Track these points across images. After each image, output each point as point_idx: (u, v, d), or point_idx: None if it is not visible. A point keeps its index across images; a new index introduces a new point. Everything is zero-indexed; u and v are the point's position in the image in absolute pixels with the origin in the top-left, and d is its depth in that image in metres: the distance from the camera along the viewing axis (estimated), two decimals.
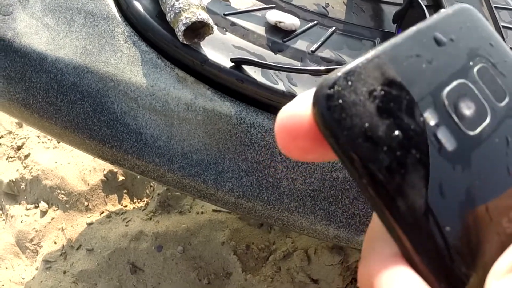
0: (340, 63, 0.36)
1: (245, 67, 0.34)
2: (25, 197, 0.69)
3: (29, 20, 0.41)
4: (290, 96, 0.32)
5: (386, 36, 0.39)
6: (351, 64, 0.11)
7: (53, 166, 0.69)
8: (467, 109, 0.11)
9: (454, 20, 0.12)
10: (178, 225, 0.64)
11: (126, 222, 0.65)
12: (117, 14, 0.38)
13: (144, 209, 0.67)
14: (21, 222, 0.67)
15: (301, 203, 0.35)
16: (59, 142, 0.73)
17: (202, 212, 0.65)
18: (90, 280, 0.61)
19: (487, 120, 0.11)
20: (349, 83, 0.11)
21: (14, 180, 0.70)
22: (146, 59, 0.36)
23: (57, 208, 0.68)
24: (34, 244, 0.66)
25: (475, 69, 0.12)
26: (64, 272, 0.62)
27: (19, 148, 0.73)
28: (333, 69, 0.31)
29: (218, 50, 0.34)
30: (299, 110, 0.12)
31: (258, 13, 0.37)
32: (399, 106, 0.11)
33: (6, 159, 0.73)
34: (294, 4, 0.39)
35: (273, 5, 0.38)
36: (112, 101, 0.36)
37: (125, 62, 0.36)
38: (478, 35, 0.12)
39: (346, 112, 0.11)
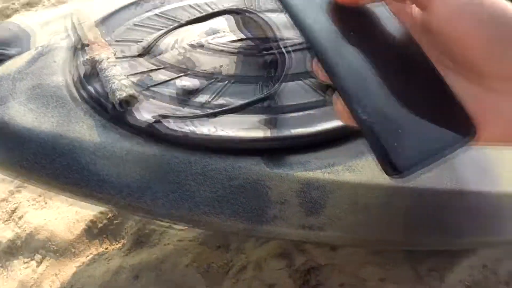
0: (229, 108, 0.57)
1: (163, 120, 0.55)
2: (22, 252, 0.89)
3: (18, 107, 0.62)
4: (192, 135, 0.54)
5: (266, 79, 0.61)
6: None
7: (43, 223, 0.90)
8: None
9: None
10: (149, 256, 0.83)
11: (108, 261, 0.85)
12: (78, 97, 0.60)
13: (121, 248, 0.87)
14: (20, 274, 0.86)
15: (212, 207, 0.55)
16: (46, 203, 0.94)
17: (168, 243, 0.85)
18: None
19: None
20: None
21: (11, 239, 0.90)
22: (99, 125, 0.57)
23: (50, 258, 0.87)
24: None
25: None
26: None
27: (13, 212, 0.94)
28: (222, 111, 0.52)
29: (144, 112, 0.56)
30: None
31: (172, 82, 0.59)
32: None
33: (3, 222, 0.93)
34: (197, 70, 0.61)
35: (183, 74, 0.60)
36: (79, 156, 0.56)
37: (85, 129, 0.57)
38: None
39: None
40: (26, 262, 0.88)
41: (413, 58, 0.27)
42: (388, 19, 0.27)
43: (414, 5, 0.28)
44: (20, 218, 0.92)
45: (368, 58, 0.26)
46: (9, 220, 0.93)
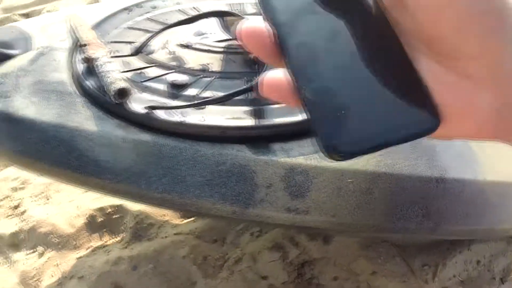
0: (215, 98, 0.63)
1: (155, 111, 0.62)
2: (25, 245, 0.96)
3: (21, 100, 0.69)
4: (182, 124, 0.60)
5: (250, 74, 0.67)
6: None
7: (45, 217, 0.96)
8: None
9: None
10: (148, 248, 0.90)
11: (107, 252, 0.91)
12: (77, 91, 0.67)
13: (121, 241, 0.93)
14: (23, 264, 0.93)
15: (202, 190, 0.61)
16: (48, 199, 1.00)
17: (166, 237, 0.91)
18: None
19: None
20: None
21: (14, 232, 0.97)
22: (96, 116, 0.63)
23: (51, 249, 0.94)
24: (36, 280, 0.91)
25: None
26: None
27: (16, 207, 1.00)
28: (209, 101, 0.58)
29: (138, 103, 0.62)
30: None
31: (163, 77, 0.66)
32: None
33: (6, 217, 1.00)
34: (186, 67, 0.67)
35: (173, 70, 0.67)
36: (78, 143, 0.63)
37: (83, 119, 0.64)
38: None
39: None
40: (29, 254, 0.95)
41: (379, 34, 0.25)
42: None
43: None
44: (23, 213, 0.99)
45: (326, 31, 0.25)
46: (13, 215, 1.00)
